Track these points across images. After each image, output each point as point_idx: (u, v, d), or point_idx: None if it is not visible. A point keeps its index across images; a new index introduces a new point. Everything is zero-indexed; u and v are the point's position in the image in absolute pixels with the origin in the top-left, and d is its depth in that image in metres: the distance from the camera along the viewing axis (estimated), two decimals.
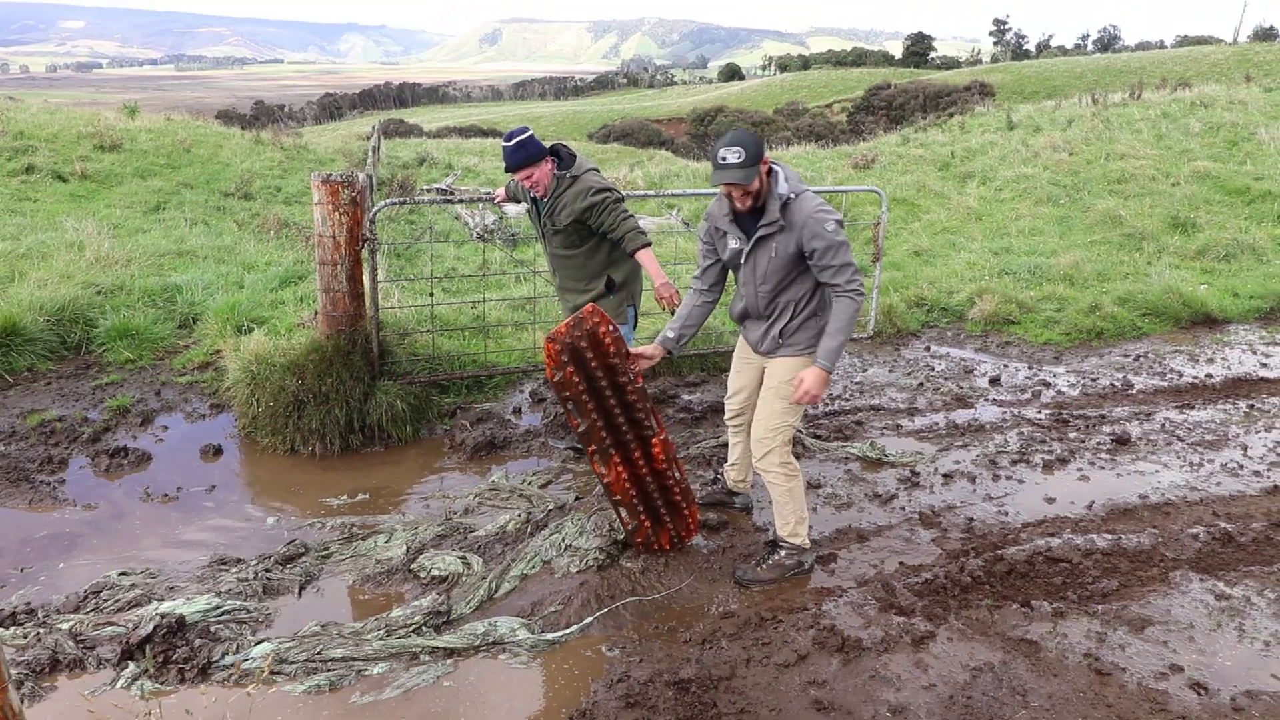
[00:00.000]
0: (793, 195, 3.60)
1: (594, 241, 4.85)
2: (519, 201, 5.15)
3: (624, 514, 3.94)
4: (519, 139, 4.57)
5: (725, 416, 4.37)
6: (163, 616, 3.47)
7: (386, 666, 3.39)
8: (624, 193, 4.96)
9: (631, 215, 4.78)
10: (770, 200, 3.60)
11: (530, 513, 4.51)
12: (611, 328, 3.61)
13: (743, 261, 3.76)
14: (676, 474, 3.98)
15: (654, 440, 3.87)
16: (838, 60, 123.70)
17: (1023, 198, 13.40)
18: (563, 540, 4.18)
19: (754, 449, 3.99)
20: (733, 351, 4.30)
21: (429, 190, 15.80)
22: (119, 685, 3.24)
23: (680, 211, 13.31)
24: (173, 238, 9.70)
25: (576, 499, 4.68)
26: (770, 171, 3.64)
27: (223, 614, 3.63)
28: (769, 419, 3.90)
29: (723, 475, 4.71)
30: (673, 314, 5.23)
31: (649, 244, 4.77)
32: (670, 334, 3.92)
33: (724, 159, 3.47)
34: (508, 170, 4.66)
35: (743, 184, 3.48)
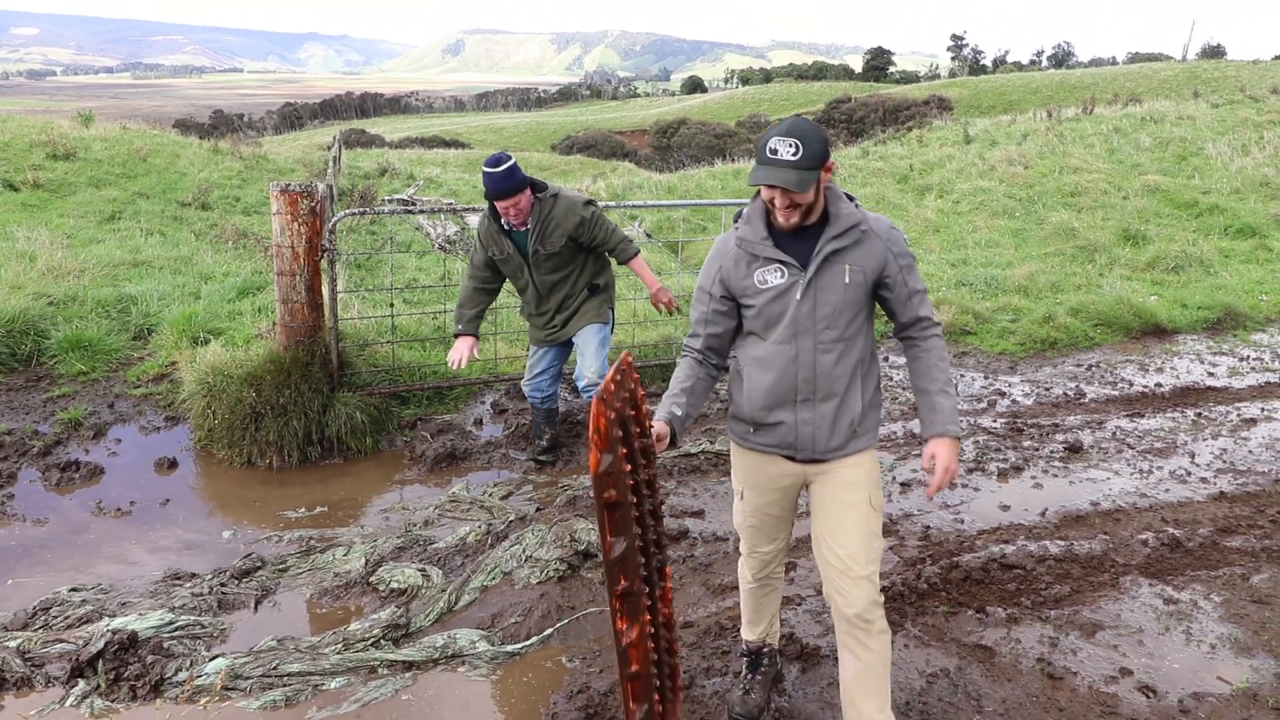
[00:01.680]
0: (857, 204, 2.70)
1: (581, 257, 4.81)
2: (487, 251, 4.77)
3: (633, 705, 2.47)
4: (508, 166, 4.39)
5: (749, 573, 3.06)
6: (114, 633, 3.42)
7: (344, 681, 3.36)
8: None
9: (616, 224, 4.79)
10: (839, 205, 2.64)
11: (491, 524, 4.50)
12: (641, 390, 2.41)
13: (798, 297, 2.61)
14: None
15: (667, 569, 2.57)
16: (799, 74, 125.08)
17: (979, 210, 13.64)
18: (523, 552, 4.17)
19: (847, 596, 2.72)
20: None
21: (390, 201, 15.72)
22: (68, 704, 3.18)
23: (643, 223, 13.37)
24: (128, 248, 9.55)
25: (537, 510, 4.68)
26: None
27: (176, 629, 3.58)
28: (867, 546, 2.72)
29: (748, 646, 3.27)
30: (671, 315, 5.25)
31: (639, 251, 4.78)
32: (678, 411, 2.73)
33: (773, 152, 2.48)
34: (493, 198, 4.46)
35: (794, 191, 2.47)
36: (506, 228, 4.65)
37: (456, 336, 4.79)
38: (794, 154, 2.48)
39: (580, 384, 4.89)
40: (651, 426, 2.49)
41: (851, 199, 2.67)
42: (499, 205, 4.49)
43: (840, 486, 2.75)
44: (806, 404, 2.70)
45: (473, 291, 4.83)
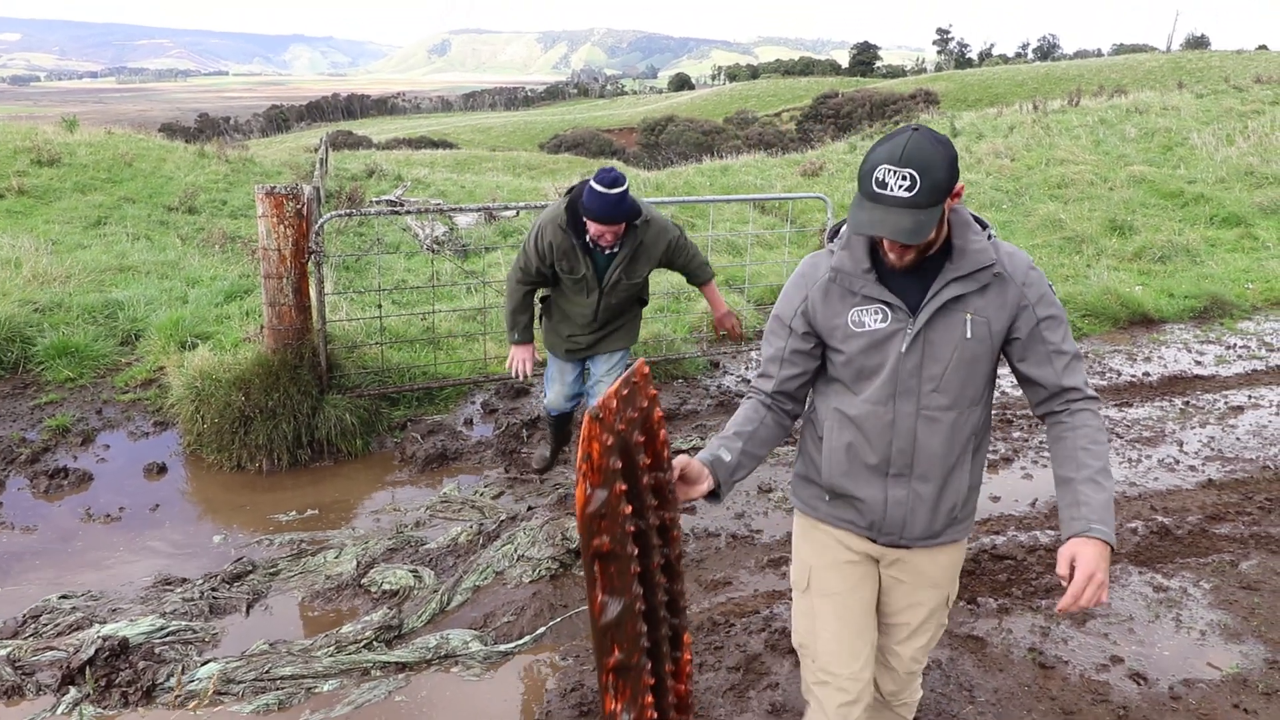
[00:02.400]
0: (992, 235, 2.10)
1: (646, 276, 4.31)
2: (553, 264, 4.09)
3: None
4: (623, 190, 3.72)
5: (834, 705, 2.29)
6: (105, 639, 3.41)
7: (337, 683, 3.35)
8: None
9: (697, 246, 4.38)
10: (966, 236, 2.05)
11: (482, 524, 4.49)
12: (660, 410, 1.89)
13: (903, 350, 2.07)
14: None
15: (685, 637, 2.05)
16: (786, 69, 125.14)
17: (967, 203, 13.67)
18: (515, 550, 4.17)
19: (885, 681, 2.45)
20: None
21: (378, 202, 15.68)
22: (59, 711, 3.17)
23: None
24: (114, 253, 9.50)
25: (529, 509, 4.68)
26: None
27: (168, 635, 3.57)
28: (928, 647, 2.40)
29: None
30: (736, 344, 4.71)
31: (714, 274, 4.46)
32: (726, 455, 2.12)
33: (881, 185, 1.89)
34: (596, 219, 3.75)
35: (907, 243, 1.90)
36: (589, 246, 4.00)
37: (514, 345, 4.33)
38: (909, 189, 1.86)
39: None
40: (670, 458, 1.92)
41: (984, 226, 2.10)
42: (596, 228, 3.82)
43: (919, 587, 2.29)
44: (900, 480, 2.15)
45: (523, 295, 4.28)
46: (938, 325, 2.05)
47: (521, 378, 4.36)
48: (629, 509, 1.76)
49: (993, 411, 2.23)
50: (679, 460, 1.98)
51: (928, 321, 2.05)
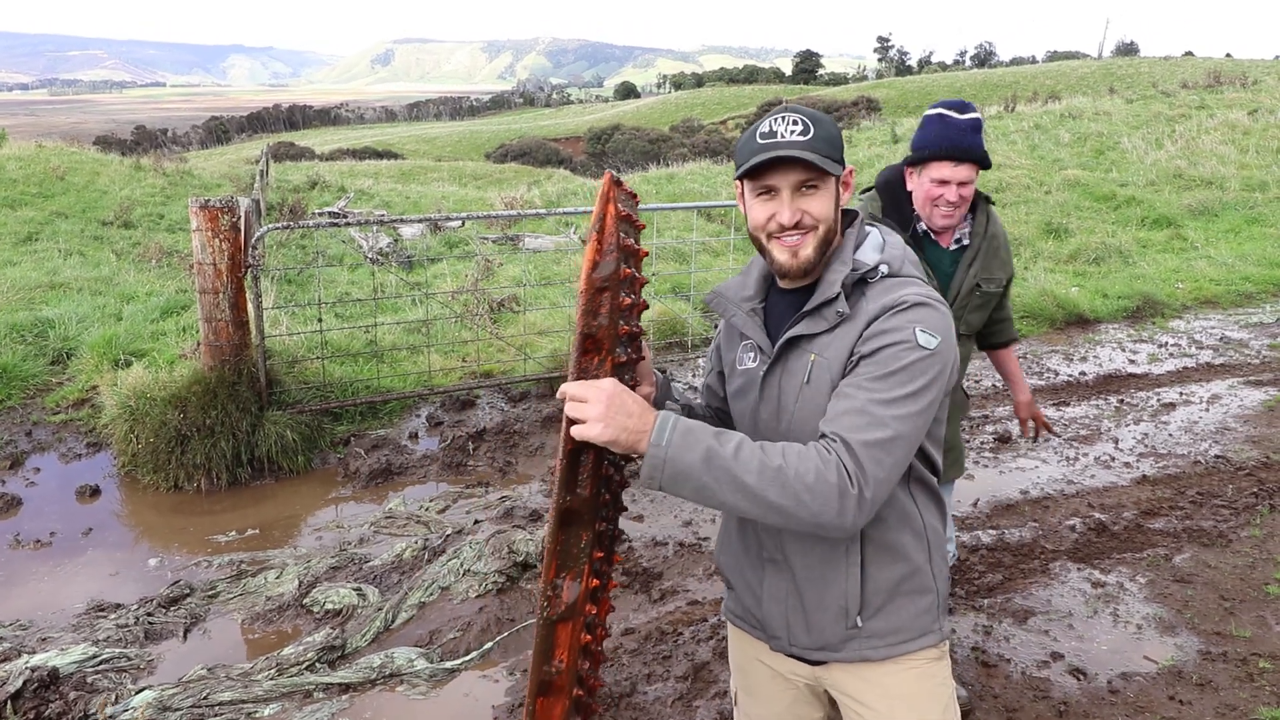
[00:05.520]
0: (885, 270, 1.70)
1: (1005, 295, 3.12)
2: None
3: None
4: (974, 113, 2.66)
5: None
6: (33, 670, 3.30)
7: (278, 707, 3.28)
8: (520, 211, 4.80)
9: None
10: (832, 263, 1.71)
11: (428, 539, 4.44)
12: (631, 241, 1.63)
13: (758, 395, 1.76)
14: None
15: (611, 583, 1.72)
16: (730, 77, 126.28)
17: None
18: (461, 565, 4.13)
19: None
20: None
21: (320, 214, 15.45)
22: None
23: (578, 229, 13.34)
24: (45, 269, 9.24)
25: (475, 523, 4.63)
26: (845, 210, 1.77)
27: (100, 663, 3.46)
28: None
29: None
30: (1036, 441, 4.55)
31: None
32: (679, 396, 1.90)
33: (771, 134, 1.64)
34: (949, 154, 2.62)
35: (807, 169, 1.62)
36: (920, 235, 2.84)
37: None
38: (803, 132, 1.62)
39: None
40: (639, 292, 1.63)
41: (894, 259, 1.72)
42: (942, 172, 2.65)
43: (863, 711, 1.78)
44: (776, 567, 1.77)
45: None
46: (789, 367, 1.71)
47: None
48: (624, 298, 1.58)
49: (913, 480, 1.74)
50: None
51: (779, 364, 1.73)
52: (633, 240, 1.61)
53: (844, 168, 1.68)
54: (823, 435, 1.56)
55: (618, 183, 1.57)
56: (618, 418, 1.45)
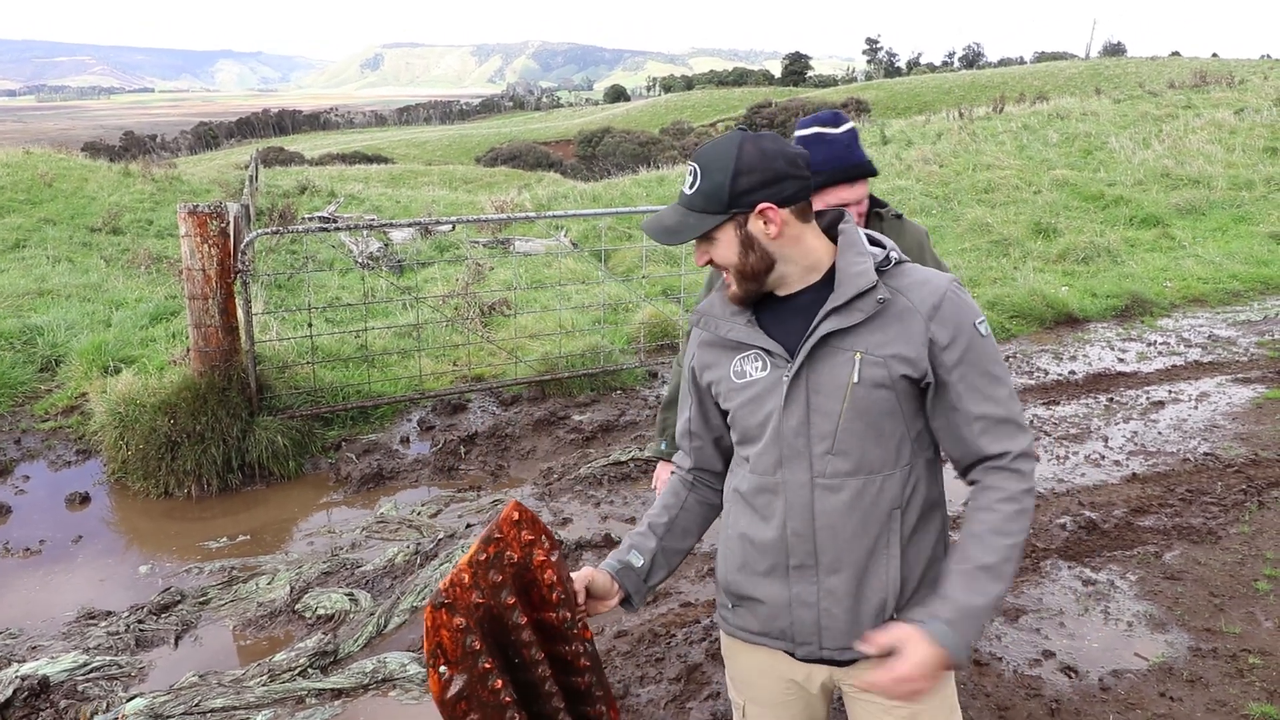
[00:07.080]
0: (895, 257, 1.70)
1: None
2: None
3: None
4: (850, 127, 2.49)
5: None
6: (24, 679, 3.28)
7: (271, 713, 3.27)
8: (511, 215, 4.83)
9: None
10: (847, 258, 1.67)
11: (420, 543, 4.43)
12: (547, 543, 1.66)
13: (782, 404, 1.68)
14: None
15: None
16: (720, 80, 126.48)
17: (898, 209, 13.92)
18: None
19: None
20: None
21: (310, 219, 15.42)
22: None
23: (568, 232, 13.35)
24: (33, 277, 9.20)
25: (467, 526, 4.63)
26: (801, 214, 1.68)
27: (91, 671, 3.45)
28: None
29: None
30: None
31: None
32: (636, 559, 1.84)
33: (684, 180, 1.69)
34: (839, 178, 2.43)
35: (653, 237, 1.70)
36: None
37: (660, 460, 2.89)
38: (689, 186, 1.65)
39: None
40: (566, 595, 1.66)
41: (880, 246, 1.72)
42: (841, 196, 2.45)
43: (882, 711, 1.76)
44: (804, 573, 1.70)
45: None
46: (820, 369, 1.65)
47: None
48: (500, 683, 1.53)
49: (937, 475, 1.77)
50: (582, 575, 1.75)
51: (808, 366, 1.65)
52: (514, 598, 1.59)
53: (734, 210, 1.61)
54: (988, 458, 1.65)
55: (444, 605, 1.46)
56: (930, 672, 1.56)
